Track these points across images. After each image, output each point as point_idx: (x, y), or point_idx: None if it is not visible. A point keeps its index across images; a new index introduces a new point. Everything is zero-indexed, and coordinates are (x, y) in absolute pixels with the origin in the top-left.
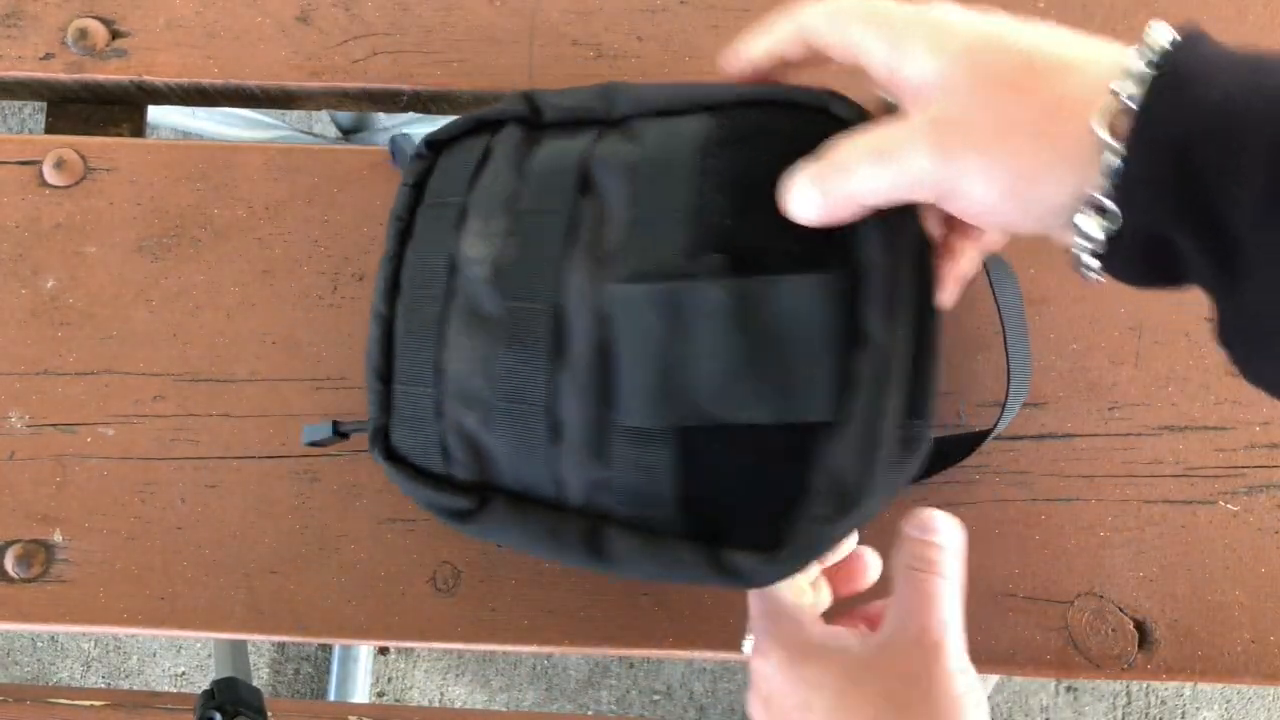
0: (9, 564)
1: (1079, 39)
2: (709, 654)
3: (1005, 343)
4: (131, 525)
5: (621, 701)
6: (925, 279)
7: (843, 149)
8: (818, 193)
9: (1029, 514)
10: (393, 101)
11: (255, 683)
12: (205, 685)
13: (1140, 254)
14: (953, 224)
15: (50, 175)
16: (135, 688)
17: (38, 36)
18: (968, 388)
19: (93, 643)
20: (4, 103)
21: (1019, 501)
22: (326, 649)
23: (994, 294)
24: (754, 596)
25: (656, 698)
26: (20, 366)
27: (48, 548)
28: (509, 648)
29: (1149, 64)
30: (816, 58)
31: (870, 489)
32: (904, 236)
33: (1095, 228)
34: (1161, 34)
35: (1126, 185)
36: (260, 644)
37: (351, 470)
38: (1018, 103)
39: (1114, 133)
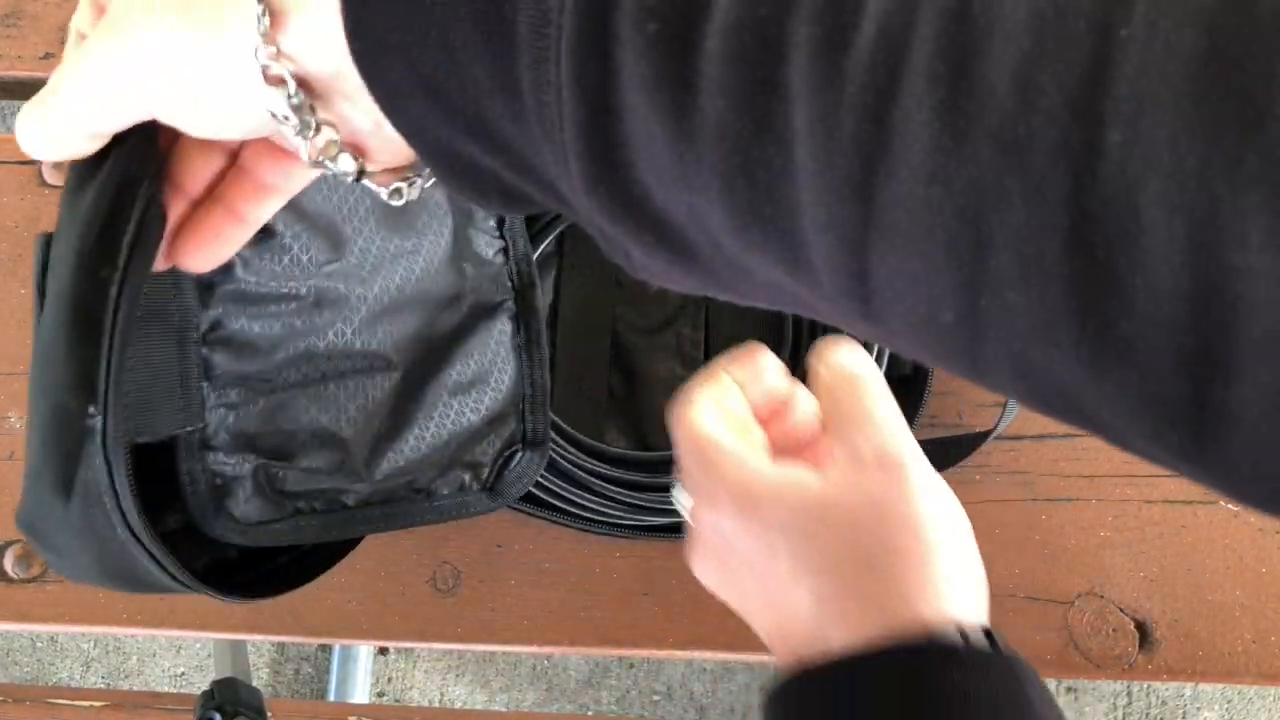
0: (9, 564)
1: None
2: (709, 654)
3: None
4: None
5: (621, 702)
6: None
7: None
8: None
9: (1029, 514)
10: None
11: (255, 683)
12: (205, 685)
13: (450, 171)
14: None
15: (50, 175)
16: (135, 688)
17: (37, 36)
18: (968, 387)
19: (93, 643)
20: (4, 102)
21: (1019, 501)
22: (326, 649)
23: None
24: (686, 440)
25: (656, 698)
26: (20, 367)
27: None
28: (509, 648)
29: None
30: None
31: None
32: None
33: (281, 103)
34: None
35: (371, 83)
36: (260, 644)
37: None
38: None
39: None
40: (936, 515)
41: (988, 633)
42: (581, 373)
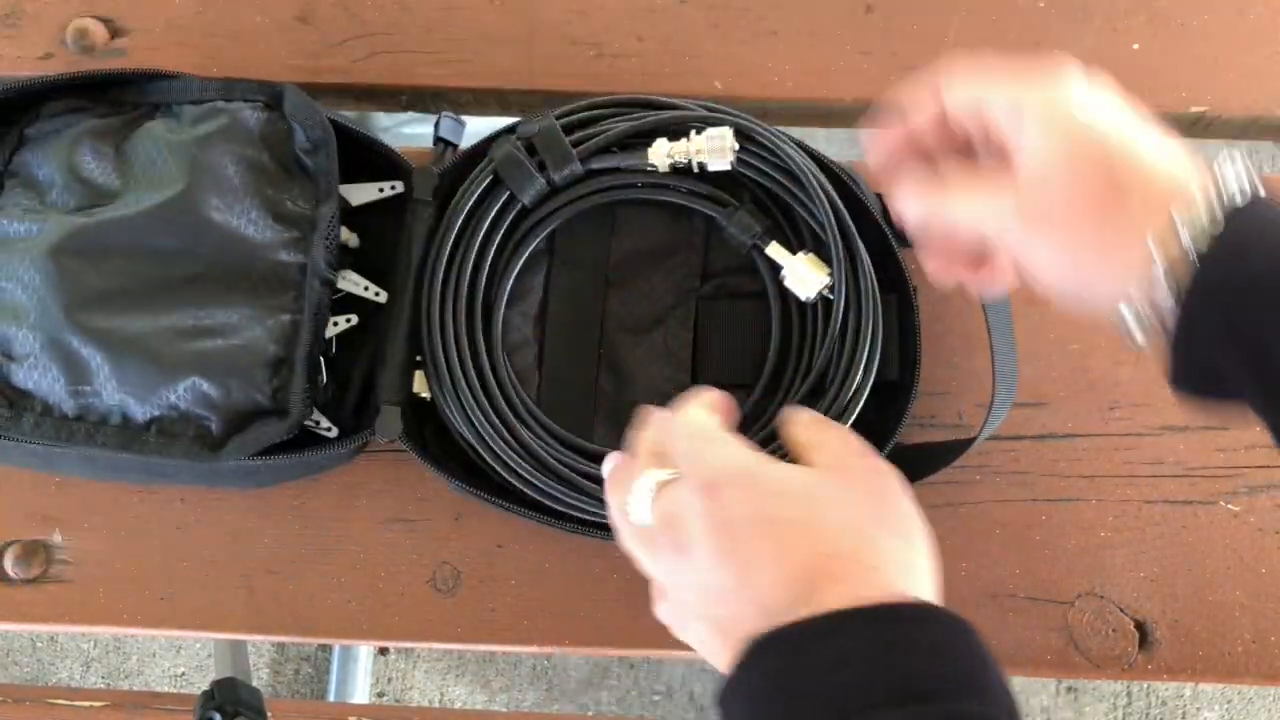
0: (9, 564)
1: (1160, 154)
2: None
3: (990, 344)
4: (131, 525)
5: (622, 702)
6: None
7: (956, 184)
8: (922, 207)
9: (1029, 514)
10: (393, 101)
11: (255, 683)
12: (205, 685)
13: (1200, 371)
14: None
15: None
16: (135, 688)
17: (37, 36)
18: (968, 388)
19: (93, 643)
20: None
21: (1019, 501)
22: (326, 649)
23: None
24: (689, 424)
25: (656, 698)
26: None
27: (48, 548)
28: (509, 648)
29: (1212, 220)
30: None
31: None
32: None
33: (1139, 333)
34: (1231, 181)
35: (1187, 311)
36: (260, 644)
37: (351, 470)
38: (1095, 215)
39: (1170, 265)
40: (916, 514)
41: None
42: (570, 370)
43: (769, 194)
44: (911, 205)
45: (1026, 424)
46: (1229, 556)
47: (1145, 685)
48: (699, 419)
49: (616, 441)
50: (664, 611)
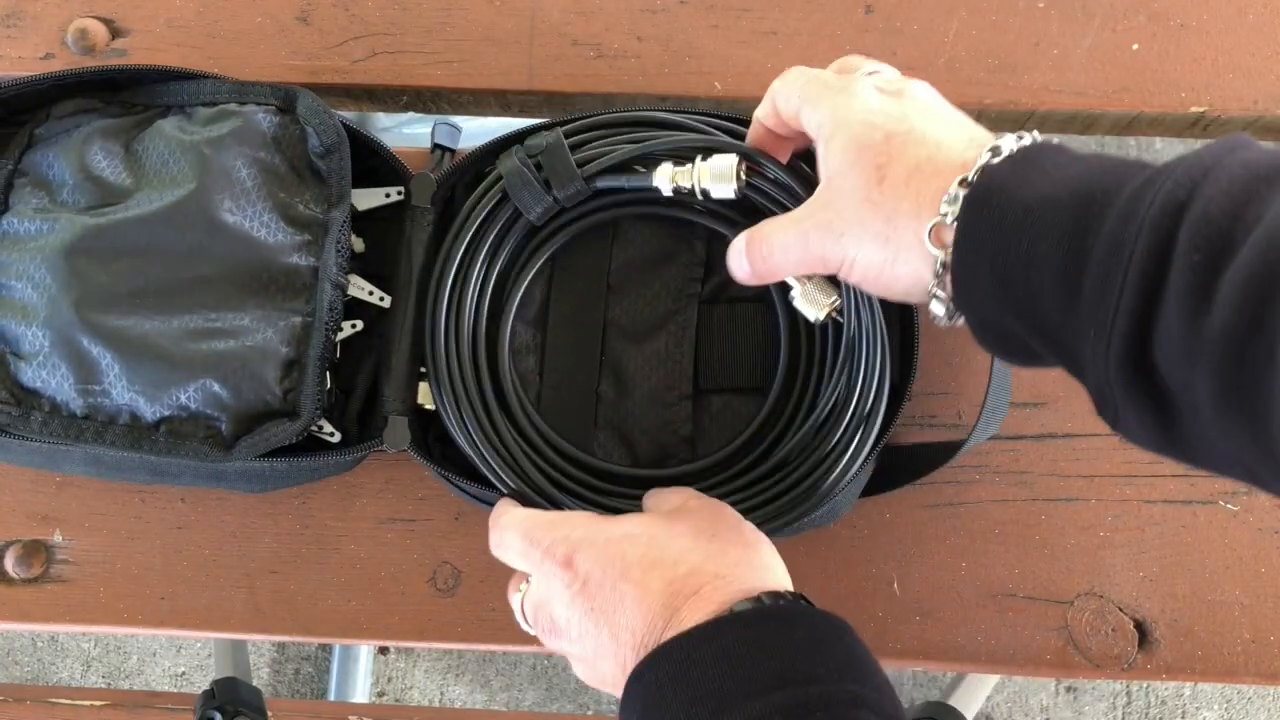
0: (9, 564)
1: (937, 131)
2: None
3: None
4: (131, 525)
5: None
6: None
7: (758, 241)
8: (748, 268)
9: (1029, 514)
10: (393, 101)
11: (255, 683)
12: (205, 685)
13: (995, 339)
14: None
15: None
16: (135, 688)
17: (38, 36)
18: (968, 387)
19: (93, 643)
20: None
21: (1019, 501)
22: (326, 649)
23: None
24: (519, 527)
25: None
26: None
27: (48, 548)
28: (509, 648)
29: (965, 182)
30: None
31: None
32: None
33: (940, 308)
34: (1005, 142)
35: (955, 270)
36: (260, 644)
37: (351, 470)
38: (870, 214)
39: (938, 241)
40: (750, 527)
41: (806, 599)
42: (571, 376)
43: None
44: (733, 264)
45: (1026, 424)
46: (1228, 556)
47: (1145, 685)
48: (522, 519)
49: (616, 448)
50: (577, 673)
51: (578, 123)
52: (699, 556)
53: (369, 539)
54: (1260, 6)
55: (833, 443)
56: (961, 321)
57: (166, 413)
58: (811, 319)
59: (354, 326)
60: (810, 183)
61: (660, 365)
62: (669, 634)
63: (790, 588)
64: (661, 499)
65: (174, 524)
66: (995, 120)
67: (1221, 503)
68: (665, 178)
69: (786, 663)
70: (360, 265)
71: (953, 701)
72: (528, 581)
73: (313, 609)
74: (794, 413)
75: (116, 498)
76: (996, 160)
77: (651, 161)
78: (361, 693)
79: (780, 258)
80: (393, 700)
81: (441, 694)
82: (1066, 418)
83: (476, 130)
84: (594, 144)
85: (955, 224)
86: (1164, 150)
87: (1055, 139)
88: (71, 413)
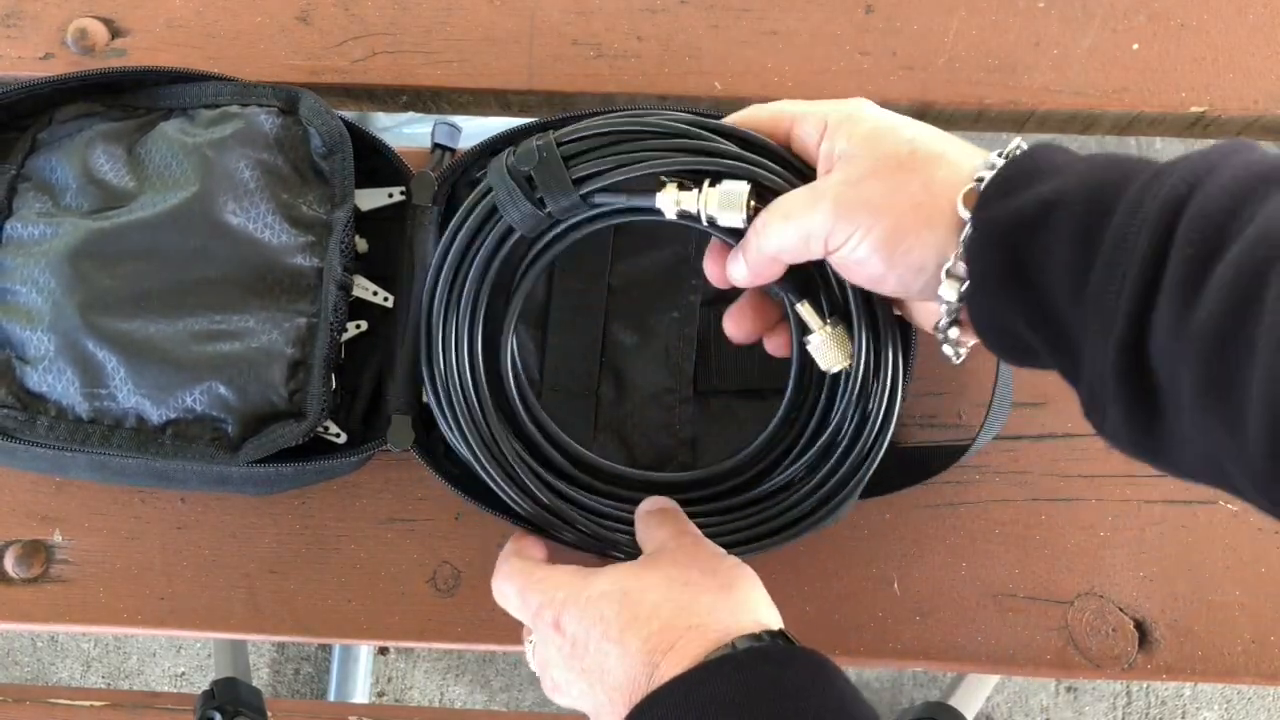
0: (9, 564)
1: (952, 140)
2: None
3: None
4: (131, 525)
5: None
6: None
7: (760, 217)
8: (742, 260)
9: (1029, 514)
10: (393, 101)
11: (255, 683)
12: (205, 685)
13: (995, 335)
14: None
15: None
16: (135, 688)
17: (38, 36)
18: (969, 387)
19: (93, 643)
20: None
21: (1019, 501)
22: (326, 649)
23: None
24: (510, 585)
25: None
26: None
27: (48, 548)
28: (509, 648)
29: (1001, 161)
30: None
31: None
32: None
33: (951, 292)
34: (1021, 143)
35: (972, 252)
36: (260, 644)
37: (352, 471)
38: (904, 179)
39: (969, 208)
40: (736, 566)
41: (787, 635)
42: (571, 378)
43: None
44: (733, 266)
45: (1026, 424)
46: (1229, 556)
47: (1145, 685)
48: (517, 574)
49: (616, 450)
50: None
51: (574, 127)
52: (671, 609)
53: (369, 539)
54: (1260, 6)
55: (840, 466)
56: (956, 334)
57: (173, 415)
58: (824, 368)
59: (358, 327)
60: None
61: (660, 367)
62: (648, 690)
63: (774, 623)
64: (647, 534)
65: (174, 524)
66: (995, 120)
67: (1221, 503)
68: (669, 201)
69: (770, 711)
70: (364, 266)
71: (953, 701)
72: (532, 639)
73: (313, 609)
74: (800, 433)
75: (116, 498)
76: (1005, 159)
77: (654, 181)
78: (361, 693)
79: (779, 231)
80: (393, 700)
81: (441, 694)
82: (1066, 418)
83: (476, 130)
84: (591, 153)
85: (971, 221)
86: (1164, 150)
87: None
88: (77, 416)
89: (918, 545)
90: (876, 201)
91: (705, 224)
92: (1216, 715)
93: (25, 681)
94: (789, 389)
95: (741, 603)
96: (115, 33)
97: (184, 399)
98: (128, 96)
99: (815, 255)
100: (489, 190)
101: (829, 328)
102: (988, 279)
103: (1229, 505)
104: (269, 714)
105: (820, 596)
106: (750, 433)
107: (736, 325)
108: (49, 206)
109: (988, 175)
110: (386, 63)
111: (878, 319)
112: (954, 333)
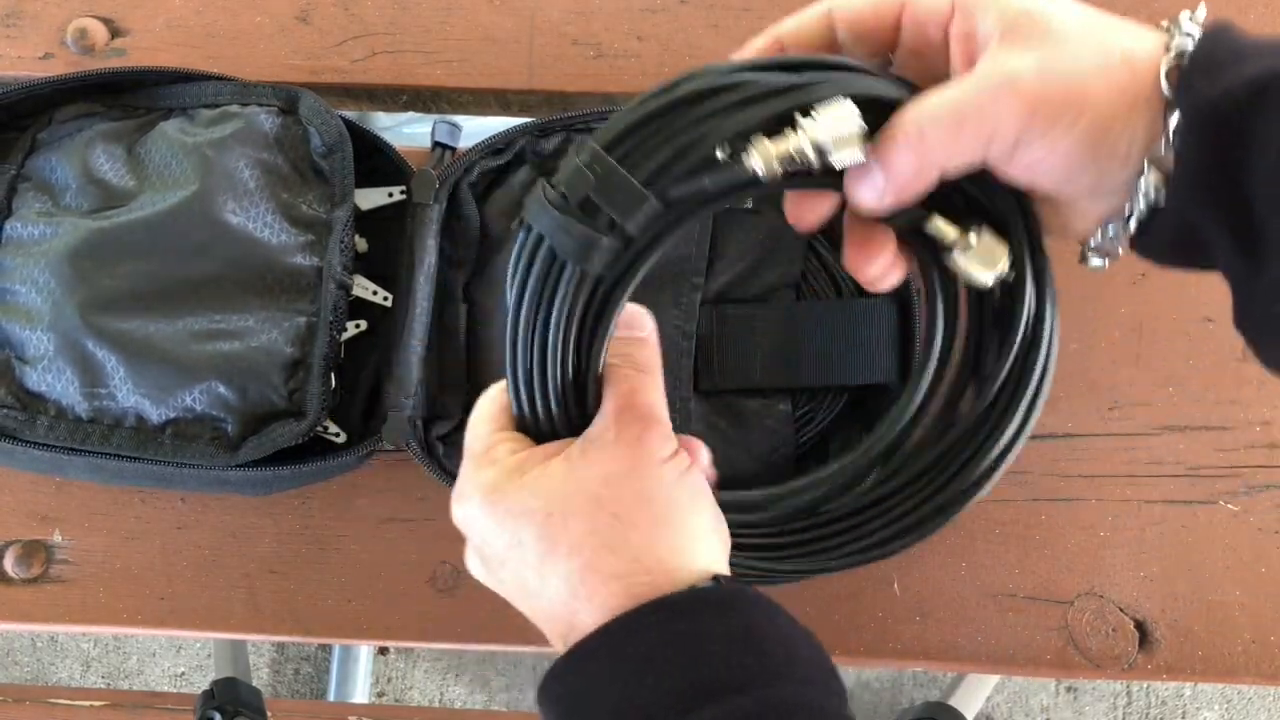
0: (9, 564)
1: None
2: None
3: None
4: (131, 525)
5: None
6: None
7: (910, 127)
8: (882, 179)
9: (1029, 514)
10: (393, 101)
11: (255, 683)
12: (205, 685)
13: (1175, 231)
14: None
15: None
16: (135, 688)
17: (37, 36)
18: None
19: (93, 643)
20: None
21: (1019, 501)
22: (326, 649)
23: None
24: (470, 437)
25: None
26: None
27: (47, 548)
28: (509, 648)
29: (1192, 34)
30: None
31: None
32: None
33: (1155, 185)
34: (1199, 14)
35: (1183, 138)
36: (260, 644)
37: (351, 470)
38: (1103, 57)
39: (1173, 87)
40: (674, 484)
41: (727, 578)
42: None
43: None
44: (865, 189)
45: None
46: (1229, 556)
47: (1145, 685)
48: (468, 439)
49: None
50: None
51: (605, 129)
52: (595, 547)
53: (369, 539)
54: (1260, 7)
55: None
56: (1120, 233)
57: (172, 415)
58: (979, 282)
59: (358, 327)
60: None
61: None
62: (575, 629)
63: (714, 564)
64: (607, 379)
65: (174, 524)
66: None
67: (1221, 503)
68: (763, 159)
69: (697, 673)
70: (363, 265)
71: (953, 701)
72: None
73: (313, 609)
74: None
75: (116, 498)
76: (1199, 33)
77: (737, 143)
78: (361, 693)
79: (949, 140)
80: (393, 700)
81: (441, 694)
82: (1067, 418)
83: (477, 129)
84: (640, 150)
85: (1180, 103)
86: None
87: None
88: (77, 416)
89: (918, 545)
90: (1080, 88)
91: (818, 166)
92: (1216, 715)
93: (25, 681)
94: (938, 336)
95: (677, 543)
96: (115, 33)
97: (184, 398)
98: (128, 96)
99: (995, 161)
100: (539, 241)
101: (974, 234)
102: (1198, 167)
103: (1229, 505)
104: (269, 714)
105: (820, 596)
106: (755, 434)
107: (860, 269)
108: (49, 206)
109: (1189, 48)
110: (386, 63)
111: (1030, 212)
112: (1115, 231)
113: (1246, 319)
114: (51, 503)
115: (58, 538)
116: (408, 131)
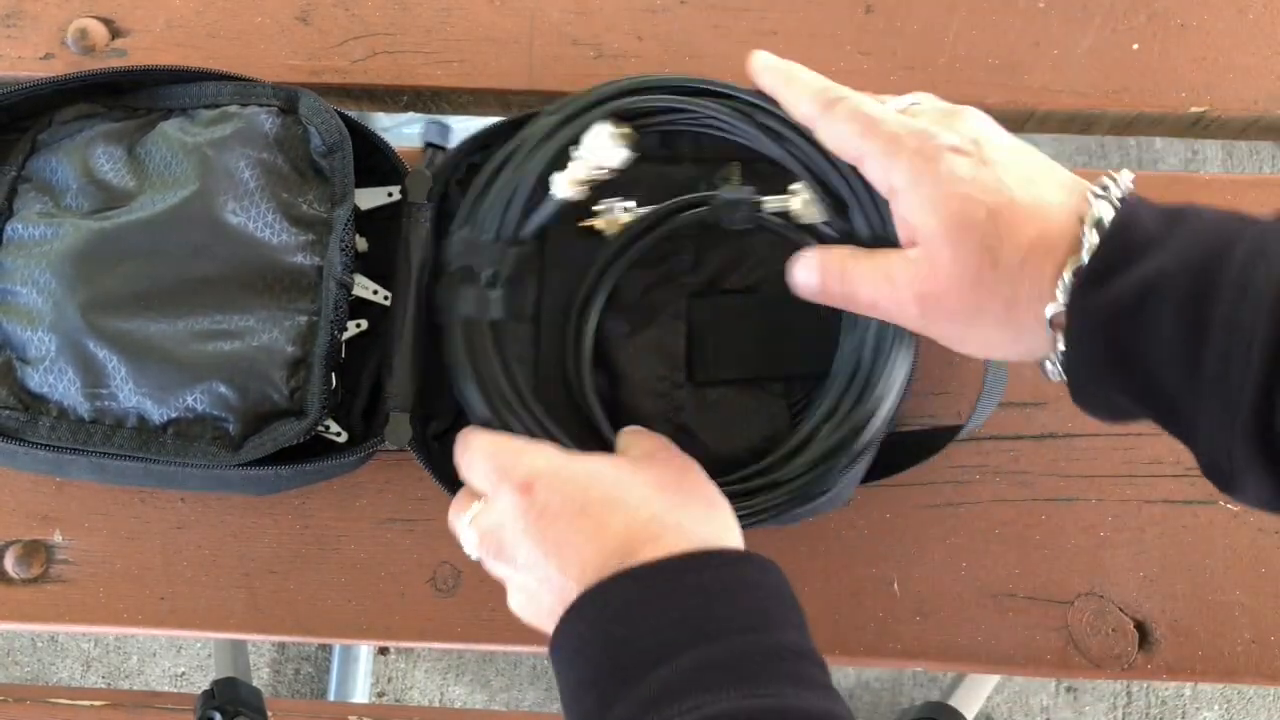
0: (9, 564)
1: (1043, 174)
2: None
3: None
4: (131, 525)
5: None
6: None
7: (856, 268)
8: (818, 283)
9: (1029, 514)
10: (393, 101)
11: (255, 683)
12: (205, 685)
13: (1096, 405)
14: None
15: None
16: (135, 688)
17: (38, 36)
18: (968, 386)
19: (93, 643)
20: None
21: (1019, 501)
22: (326, 649)
23: None
24: (485, 447)
25: None
26: None
27: (48, 548)
28: (509, 648)
29: (1077, 270)
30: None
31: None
32: None
33: (1054, 370)
34: (1103, 210)
35: (1072, 340)
36: (260, 644)
37: (353, 470)
38: (985, 295)
39: (1057, 324)
40: (713, 490)
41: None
42: (565, 372)
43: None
44: (800, 275)
45: (1026, 424)
46: (1229, 556)
47: (1145, 685)
48: (496, 440)
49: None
50: (514, 604)
51: (463, 210)
52: (661, 505)
53: (369, 539)
54: (1260, 6)
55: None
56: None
57: (174, 415)
58: (809, 220)
59: (358, 326)
60: None
61: (652, 357)
62: (627, 561)
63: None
64: (634, 441)
65: (174, 524)
66: (996, 119)
67: (1221, 503)
68: (560, 184)
69: (739, 609)
70: (364, 265)
71: (953, 701)
72: (480, 501)
73: (313, 609)
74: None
75: (116, 498)
76: (1099, 239)
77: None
78: (361, 693)
79: (861, 290)
80: (393, 700)
81: (441, 694)
82: (1066, 418)
83: (468, 130)
84: (485, 218)
85: (1067, 309)
86: (1164, 150)
87: (1130, 175)
88: (79, 417)
89: (918, 545)
90: (962, 318)
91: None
92: (1216, 715)
93: (25, 681)
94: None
95: (723, 525)
96: (115, 33)
97: (185, 398)
98: (128, 97)
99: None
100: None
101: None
102: (1091, 364)
103: (1229, 505)
104: (269, 714)
105: (820, 596)
106: (750, 422)
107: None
108: (50, 207)
109: (1085, 258)
110: (386, 63)
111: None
112: (1050, 371)
113: (1208, 474)
114: (52, 503)
115: (58, 538)
116: (407, 132)
